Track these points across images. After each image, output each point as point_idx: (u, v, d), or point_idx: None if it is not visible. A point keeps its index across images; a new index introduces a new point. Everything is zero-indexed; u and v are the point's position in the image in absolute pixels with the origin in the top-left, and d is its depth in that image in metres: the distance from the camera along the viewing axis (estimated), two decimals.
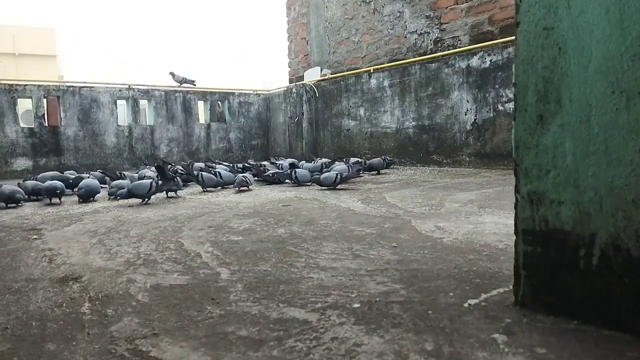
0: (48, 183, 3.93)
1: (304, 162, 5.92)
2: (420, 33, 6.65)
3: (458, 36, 6.16)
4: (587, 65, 1.06)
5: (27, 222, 2.87)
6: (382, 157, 5.79)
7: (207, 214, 2.96)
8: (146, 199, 3.63)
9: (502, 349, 0.99)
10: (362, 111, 7.06)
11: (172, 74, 8.33)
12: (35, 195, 3.96)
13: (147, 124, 8.24)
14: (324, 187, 4.16)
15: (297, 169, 4.79)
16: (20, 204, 3.72)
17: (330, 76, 7.76)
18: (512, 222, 1.23)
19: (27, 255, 2.01)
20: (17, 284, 1.60)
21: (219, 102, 8.98)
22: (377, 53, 7.38)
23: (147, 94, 8.04)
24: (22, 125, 7.14)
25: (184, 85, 8.34)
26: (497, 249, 1.82)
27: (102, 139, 7.60)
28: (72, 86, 7.47)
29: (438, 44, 6.41)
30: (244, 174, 4.52)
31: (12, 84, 6.96)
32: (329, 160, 5.73)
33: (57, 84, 7.87)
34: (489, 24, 5.79)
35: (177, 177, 4.19)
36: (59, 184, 3.86)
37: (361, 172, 5.01)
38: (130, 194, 3.55)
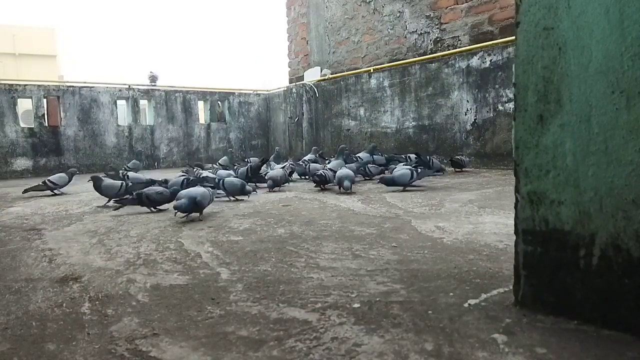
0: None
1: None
2: (420, 33, 6.65)
3: (458, 36, 6.16)
4: (587, 65, 1.06)
5: (27, 222, 2.87)
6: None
7: (207, 214, 2.96)
8: None
9: (502, 349, 0.99)
10: (362, 111, 7.06)
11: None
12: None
13: (147, 124, 8.25)
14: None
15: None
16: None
17: (330, 76, 7.76)
18: (512, 222, 1.23)
19: (27, 255, 2.01)
20: (17, 284, 1.60)
21: (219, 102, 8.98)
22: (377, 53, 7.38)
23: (147, 94, 8.04)
24: (22, 125, 7.15)
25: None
26: (497, 249, 1.82)
27: (102, 139, 7.60)
28: (72, 86, 7.48)
29: (438, 44, 6.41)
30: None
31: (12, 84, 6.96)
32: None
33: (57, 84, 7.88)
34: (489, 24, 5.79)
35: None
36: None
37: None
38: None
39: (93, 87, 7.59)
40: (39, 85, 7.12)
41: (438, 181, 4.38)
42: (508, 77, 5.06)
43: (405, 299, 1.31)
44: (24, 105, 9.03)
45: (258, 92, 9.31)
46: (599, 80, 1.04)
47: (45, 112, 7.30)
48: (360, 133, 7.11)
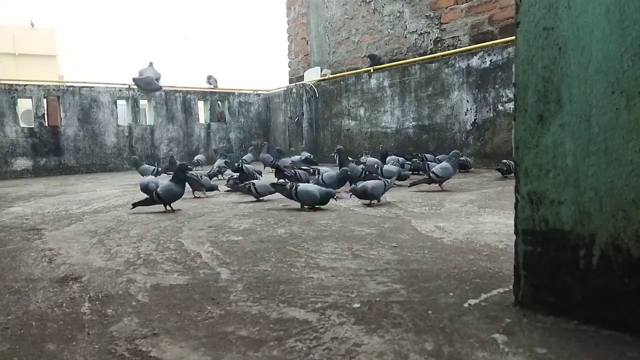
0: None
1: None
2: (420, 33, 6.65)
3: (458, 36, 6.16)
4: (587, 65, 1.06)
5: (27, 222, 2.87)
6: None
7: (207, 214, 2.96)
8: None
9: (502, 349, 0.99)
10: (362, 111, 7.06)
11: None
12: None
13: (147, 124, 8.24)
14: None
15: None
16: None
17: (330, 76, 7.75)
18: (512, 222, 1.23)
19: (27, 255, 2.01)
20: (17, 284, 1.60)
21: (219, 102, 8.98)
22: (377, 53, 7.37)
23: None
24: (22, 125, 7.14)
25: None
26: (497, 249, 1.82)
27: (102, 139, 7.60)
28: (72, 86, 7.47)
29: (438, 44, 6.41)
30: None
31: (12, 84, 6.96)
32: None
33: (57, 84, 7.87)
34: (489, 24, 5.79)
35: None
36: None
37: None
38: None
39: (93, 87, 7.58)
40: (39, 85, 7.12)
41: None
42: (508, 77, 5.06)
43: (405, 299, 1.31)
44: (24, 105, 9.02)
45: (258, 92, 9.31)
46: (599, 80, 1.04)
47: (45, 112, 7.29)
48: (360, 133, 7.11)
